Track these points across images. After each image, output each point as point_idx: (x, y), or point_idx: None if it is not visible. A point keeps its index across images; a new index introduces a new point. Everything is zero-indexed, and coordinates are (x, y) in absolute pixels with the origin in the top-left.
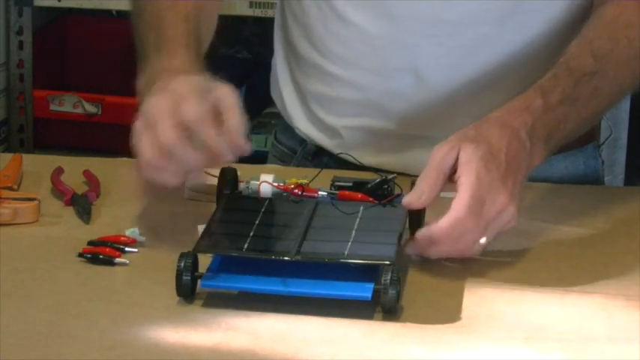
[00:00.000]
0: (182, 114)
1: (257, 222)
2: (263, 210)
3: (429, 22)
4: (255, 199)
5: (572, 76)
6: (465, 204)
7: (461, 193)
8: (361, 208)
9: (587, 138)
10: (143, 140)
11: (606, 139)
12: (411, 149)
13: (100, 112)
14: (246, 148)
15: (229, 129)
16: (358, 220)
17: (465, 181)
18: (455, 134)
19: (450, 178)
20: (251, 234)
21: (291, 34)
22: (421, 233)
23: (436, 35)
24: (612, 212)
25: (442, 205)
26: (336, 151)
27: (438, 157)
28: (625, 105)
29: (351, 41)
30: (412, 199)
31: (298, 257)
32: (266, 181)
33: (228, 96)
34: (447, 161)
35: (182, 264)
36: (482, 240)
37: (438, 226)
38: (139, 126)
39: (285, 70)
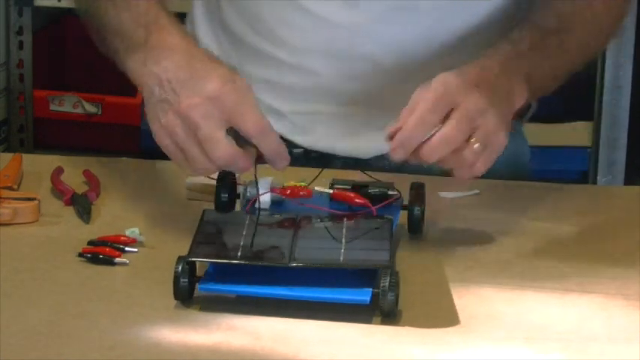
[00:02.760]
0: (242, 129)
1: (244, 233)
2: (247, 222)
3: (389, 9)
4: (234, 212)
5: (539, 30)
6: (427, 99)
7: (426, 95)
8: (344, 219)
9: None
10: (192, 151)
11: (530, 114)
12: (363, 133)
13: (100, 112)
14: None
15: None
16: (345, 230)
17: (432, 85)
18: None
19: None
20: (241, 243)
21: (227, 16)
22: (388, 134)
23: (394, 22)
24: (612, 212)
25: (442, 205)
26: (281, 133)
27: (414, 96)
28: (625, 105)
29: (308, 30)
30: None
31: (295, 264)
32: (266, 192)
33: (248, 91)
34: (422, 94)
35: (180, 268)
36: (476, 146)
37: (399, 122)
38: (180, 131)
39: (215, 50)
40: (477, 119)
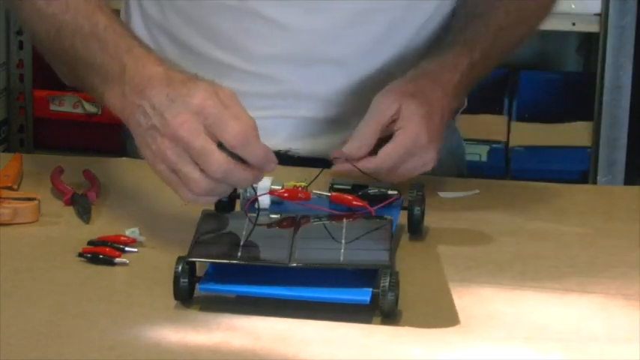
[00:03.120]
0: (224, 141)
1: (244, 233)
2: (246, 222)
3: (348, 12)
4: (233, 213)
5: (490, 31)
6: (395, 156)
7: (396, 145)
8: (344, 220)
9: None
10: (187, 169)
11: (462, 109)
12: (328, 133)
13: (100, 112)
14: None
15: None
16: (344, 230)
17: (404, 135)
18: (393, 85)
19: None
20: (241, 244)
21: (174, 27)
22: (340, 161)
23: (355, 24)
24: (612, 212)
25: (442, 205)
26: None
27: (377, 109)
28: (625, 105)
29: (271, 38)
30: (352, 150)
31: (295, 264)
32: (265, 193)
33: (232, 99)
34: (387, 114)
35: (179, 268)
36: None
37: (360, 165)
38: (172, 153)
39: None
40: (415, 171)
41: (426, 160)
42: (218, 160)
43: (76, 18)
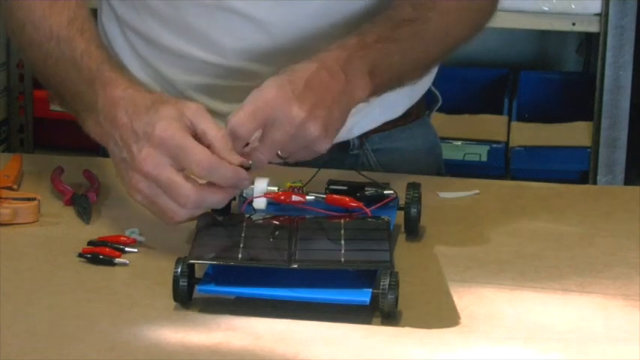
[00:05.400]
0: (190, 169)
1: (242, 234)
2: (244, 224)
3: (320, 4)
4: (231, 214)
5: (391, 21)
6: (244, 114)
7: (246, 105)
8: (342, 221)
9: (420, 112)
10: (162, 201)
11: (437, 107)
12: None
13: None
14: (247, 163)
15: (220, 151)
16: (343, 231)
17: (249, 98)
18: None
19: None
20: (241, 245)
21: (148, 28)
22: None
23: (326, 16)
24: (612, 212)
25: (442, 205)
26: None
27: (253, 95)
28: (625, 105)
29: (244, 33)
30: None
31: (297, 265)
32: (260, 196)
33: (200, 115)
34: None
35: (179, 270)
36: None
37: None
38: (144, 187)
39: (130, 57)
40: (297, 133)
41: (307, 134)
42: (186, 191)
43: (59, 45)
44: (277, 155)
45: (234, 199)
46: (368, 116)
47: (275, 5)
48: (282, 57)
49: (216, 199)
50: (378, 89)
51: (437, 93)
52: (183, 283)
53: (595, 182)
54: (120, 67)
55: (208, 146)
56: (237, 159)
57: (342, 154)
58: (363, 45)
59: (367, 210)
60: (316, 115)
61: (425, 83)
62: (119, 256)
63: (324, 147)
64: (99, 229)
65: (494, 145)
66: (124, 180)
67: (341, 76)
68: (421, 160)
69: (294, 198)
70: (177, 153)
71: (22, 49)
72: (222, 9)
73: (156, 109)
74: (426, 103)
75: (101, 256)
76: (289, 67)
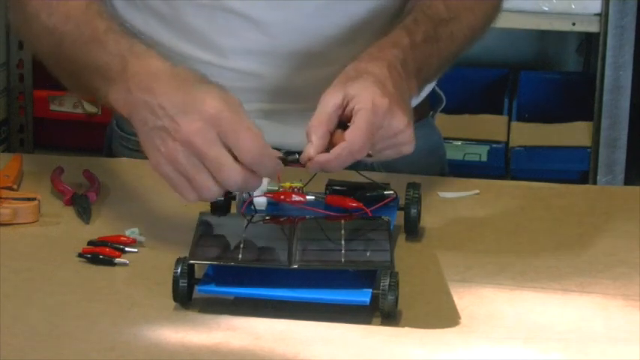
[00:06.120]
0: (240, 154)
1: (242, 235)
2: (244, 224)
3: (318, 3)
4: (231, 215)
5: (432, 21)
6: (362, 134)
7: (359, 122)
8: (342, 221)
9: (423, 112)
10: (201, 177)
11: (440, 107)
12: (304, 126)
13: (100, 112)
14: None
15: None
16: (343, 231)
17: (363, 108)
18: (335, 80)
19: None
20: (241, 246)
21: (148, 27)
22: (314, 162)
23: (324, 15)
24: (612, 212)
25: (442, 205)
26: None
27: (321, 105)
28: (625, 105)
29: (242, 33)
30: (311, 154)
31: (297, 266)
32: (260, 195)
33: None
34: (330, 104)
35: (179, 270)
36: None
37: (333, 155)
38: (183, 159)
39: None
40: (392, 142)
41: (401, 135)
42: (234, 172)
43: (77, 27)
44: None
45: (234, 198)
46: None
47: (274, 5)
48: (281, 57)
49: (255, 185)
50: (420, 90)
51: (441, 93)
52: (183, 283)
53: (595, 182)
54: (148, 43)
55: None
56: (276, 152)
57: None
58: (414, 45)
59: (367, 210)
60: (410, 120)
61: (428, 86)
62: (119, 256)
63: (410, 151)
64: (99, 229)
65: (495, 145)
66: (158, 149)
67: (403, 75)
68: (423, 161)
69: (294, 198)
70: (228, 134)
71: (34, 40)
72: (220, 9)
73: (205, 86)
74: (429, 103)
75: (101, 256)
76: (354, 63)
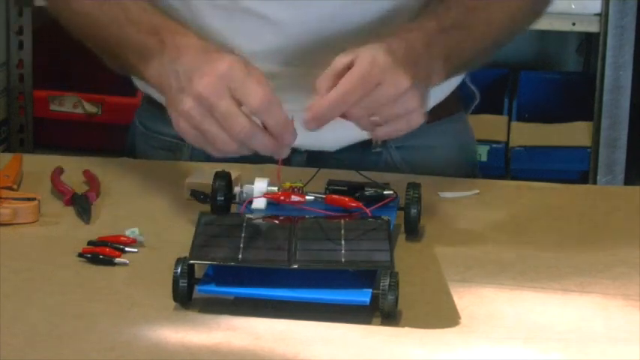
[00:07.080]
0: (247, 103)
1: (243, 235)
2: (244, 224)
3: (337, 4)
4: (231, 214)
5: (464, 7)
6: (353, 78)
7: (353, 69)
8: (342, 221)
9: (453, 107)
10: (212, 130)
11: (474, 104)
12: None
13: (100, 112)
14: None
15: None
16: (343, 231)
17: (361, 59)
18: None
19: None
20: (241, 245)
21: None
22: (307, 112)
23: (343, 15)
24: (612, 212)
25: (442, 205)
26: None
27: (334, 62)
28: (625, 105)
29: (261, 34)
30: (317, 106)
31: (297, 266)
32: (260, 196)
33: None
34: (343, 60)
35: (179, 270)
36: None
37: (322, 101)
38: (196, 113)
39: None
40: (398, 99)
41: (405, 96)
42: (241, 122)
43: (110, 9)
44: (370, 122)
45: (234, 198)
46: None
47: (291, 6)
48: (298, 58)
49: (264, 142)
50: (449, 75)
51: (474, 89)
52: (183, 283)
53: (595, 182)
54: (183, 24)
55: None
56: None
57: (364, 152)
58: (441, 29)
59: (367, 210)
60: (417, 86)
61: (455, 78)
62: (119, 256)
63: (420, 120)
64: (99, 229)
65: (494, 145)
66: (175, 110)
67: (425, 56)
68: (451, 159)
69: (294, 198)
70: (239, 86)
71: (69, 22)
72: (237, 10)
73: (227, 53)
74: (461, 99)
75: (101, 256)
76: (370, 42)
